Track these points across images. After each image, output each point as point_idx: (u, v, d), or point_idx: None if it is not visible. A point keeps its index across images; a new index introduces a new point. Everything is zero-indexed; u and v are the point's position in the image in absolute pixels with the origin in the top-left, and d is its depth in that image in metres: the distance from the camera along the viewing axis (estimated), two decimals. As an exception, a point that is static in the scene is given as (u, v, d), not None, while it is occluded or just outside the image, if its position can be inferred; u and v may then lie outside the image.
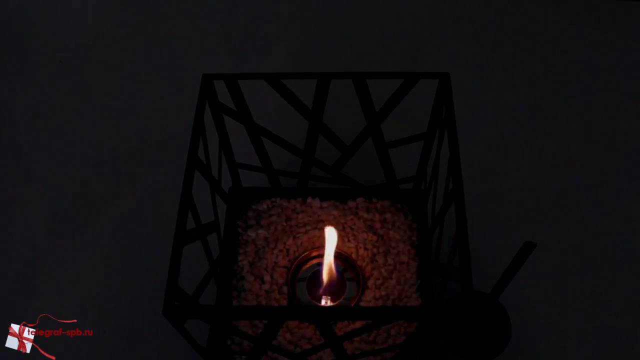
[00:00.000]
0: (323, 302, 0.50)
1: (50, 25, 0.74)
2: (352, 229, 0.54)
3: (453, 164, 0.42)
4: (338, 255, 0.52)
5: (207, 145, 0.46)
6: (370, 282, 0.51)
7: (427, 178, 0.53)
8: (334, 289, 0.51)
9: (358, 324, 0.48)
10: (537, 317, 0.54)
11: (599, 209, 0.59)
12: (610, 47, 0.71)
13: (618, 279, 0.56)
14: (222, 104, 0.47)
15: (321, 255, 0.52)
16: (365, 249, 0.53)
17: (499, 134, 0.64)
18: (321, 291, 0.51)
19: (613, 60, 0.70)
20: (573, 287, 0.55)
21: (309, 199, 0.55)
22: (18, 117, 0.68)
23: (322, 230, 0.53)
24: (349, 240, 0.53)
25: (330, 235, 0.50)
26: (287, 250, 0.53)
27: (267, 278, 0.51)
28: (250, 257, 0.52)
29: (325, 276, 0.50)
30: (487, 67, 0.69)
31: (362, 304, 0.50)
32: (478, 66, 0.69)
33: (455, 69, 0.59)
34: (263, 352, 0.42)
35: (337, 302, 0.50)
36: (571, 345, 0.53)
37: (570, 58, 0.70)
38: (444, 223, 0.46)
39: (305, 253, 0.52)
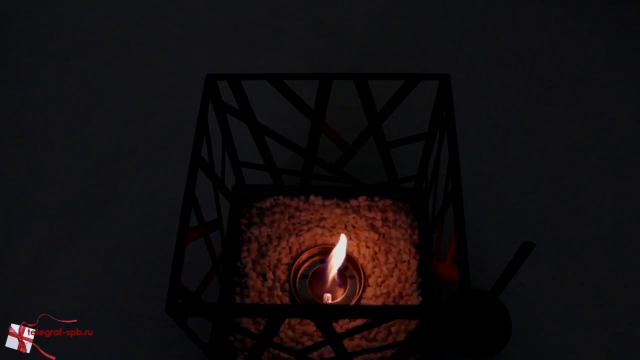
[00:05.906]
0: (325, 300, 0.51)
1: (52, 24, 0.75)
2: (354, 227, 0.54)
3: (452, 166, 0.42)
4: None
5: (211, 144, 0.47)
6: (371, 280, 0.52)
7: (428, 177, 0.54)
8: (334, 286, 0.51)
9: (359, 322, 0.49)
10: (538, 315, 0.54)
11: (599, 208, 0.60)
12: (613, 48, 0.71)
13: (618, 277, 0.56)
14: (225, 103, 0.48)
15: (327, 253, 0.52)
16: (367, 247, 0.53)
17: (499, 135, 0.64)
18: (325, 288, 0.51)
19: (616, 62, 0.69)
20: (573, 286, 0.55)
21: (312, 197, 0.55)
22: (20, 116, 0.68)
23: (324, 228, 0.54)
24: (350, 239, 0.53)
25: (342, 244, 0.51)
26: (290, 247, 0.53)
27: (269, 275, 0.52)
28: (253, 254, 0.53)
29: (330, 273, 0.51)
30: (488, 68, 0.69)
31: (363, 301, 0.50)
32: (479, 68, 0.69)
33: (456, 70, 0.59)
34: (264, 349, 0.43)
35: (338, 300, 0.51)
36: (571, 343, 0.53)
37: (572, 60, 0.70)
38: (443, 223, 0.47)
39: (308, 250, 0.53)
